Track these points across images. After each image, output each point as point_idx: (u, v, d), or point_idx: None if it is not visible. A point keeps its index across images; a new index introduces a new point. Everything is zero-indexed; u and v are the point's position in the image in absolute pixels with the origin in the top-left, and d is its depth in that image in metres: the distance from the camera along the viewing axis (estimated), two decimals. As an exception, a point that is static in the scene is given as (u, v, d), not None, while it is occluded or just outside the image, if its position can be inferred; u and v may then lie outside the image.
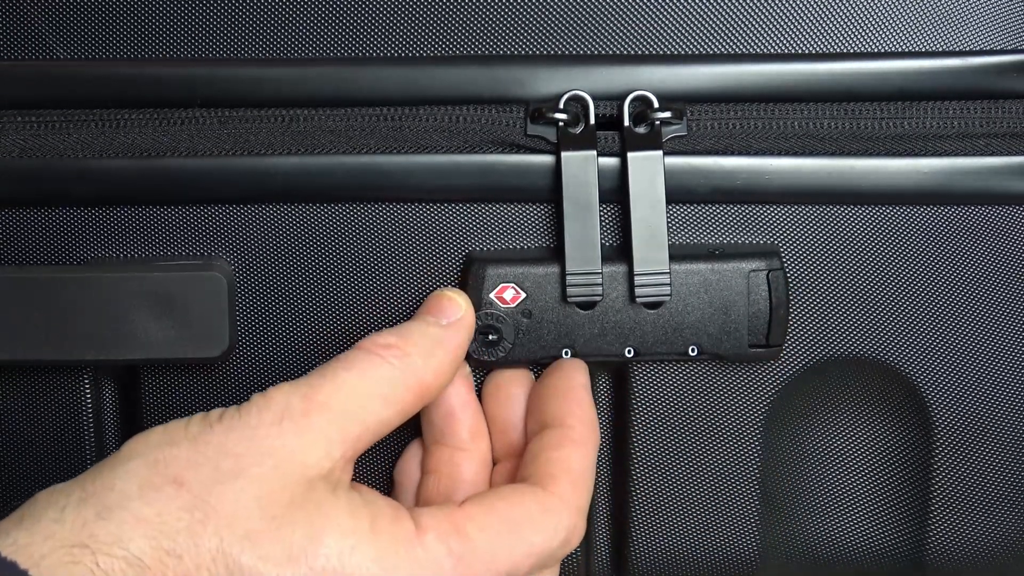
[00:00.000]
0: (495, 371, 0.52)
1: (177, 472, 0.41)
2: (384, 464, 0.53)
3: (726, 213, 0.51)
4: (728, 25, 0.51)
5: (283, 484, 0.42)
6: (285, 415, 0.43)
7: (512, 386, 0.51)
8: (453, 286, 0.50)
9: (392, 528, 0.43)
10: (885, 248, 0.51)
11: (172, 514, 0.40)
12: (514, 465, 0.50)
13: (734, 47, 0.51)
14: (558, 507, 0.46)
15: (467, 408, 0.50)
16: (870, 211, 0.51)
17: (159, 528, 0.40)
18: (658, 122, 0.49)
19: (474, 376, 0.51)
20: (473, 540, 0.44)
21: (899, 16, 0.51)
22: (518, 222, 0.51)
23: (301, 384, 0.44)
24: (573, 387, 0.50)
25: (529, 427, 0.50)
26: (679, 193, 0.50)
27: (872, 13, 0.51)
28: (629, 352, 0.50)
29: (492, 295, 0.50)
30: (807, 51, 0.51)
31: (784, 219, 0.51)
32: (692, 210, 0.51)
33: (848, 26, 0.51)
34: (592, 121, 0.50)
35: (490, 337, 0.50)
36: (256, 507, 0.41)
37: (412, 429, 0.51)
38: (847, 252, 0.51)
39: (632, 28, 0.50)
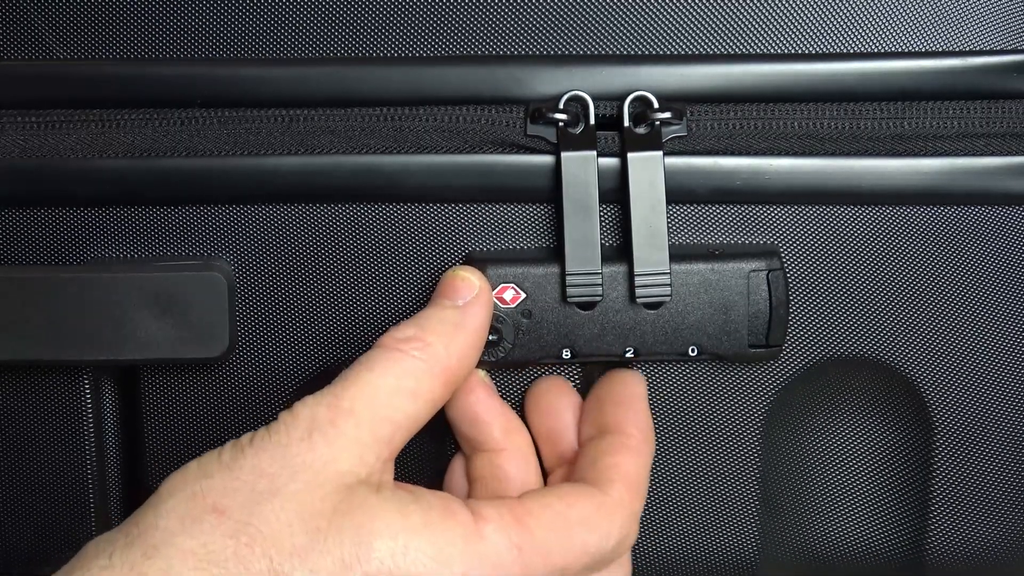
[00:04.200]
0: (535, 383, 0.52)
1: (215, 500, 0.41)
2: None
3: (726, 213, 0.51)
4: (728, 25, 0.51)
5: (322, 495, 0.42)
6: (313, 427, 0.43)
7: (552, 396, 0.52)
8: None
9: (447, 521, 0.43)
10: (885, 248, 0.51)
11: (217, 542, 0.40)
12: (567, 472, 0.50)
13: (734, 47, 0.51)
14: (614, 509, 0.46)
15: (491, 410, 0.50)
16: (870, 211, 0.51)
17: (207, 558, 0.40)
18: (658, 122, 0.49)
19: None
20: (533, 533, 0.44)
21: (899, 16, 0.51)
22: (518, 222, 0.51)
23: (326, 394, 0.44)
24: (632, 396, 0.50)
25: (584, 433, 0.51)
26: (679, 193, 0.50)
27: (872, 13, 0.51)
28: (629, 352, 0.50)
29: (492, 295, 0.50)
30: (807, 51, 0.51)
31: (784, 219, 0.51)
32: (692, 210, 0.51)
33: (848, 26, 0.51)
34: (592, 121, 0.50)
35: (490, 337, 0.50)
36: (299, 522, 0.41)
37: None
38: (847, 252, 0.51)
39: (632, 28, 0.50)
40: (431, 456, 0.53)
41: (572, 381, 0.53)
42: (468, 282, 0.48)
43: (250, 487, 0.41)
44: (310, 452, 0.42)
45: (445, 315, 0.47)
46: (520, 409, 0.52)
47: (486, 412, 0.50)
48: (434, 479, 0.52)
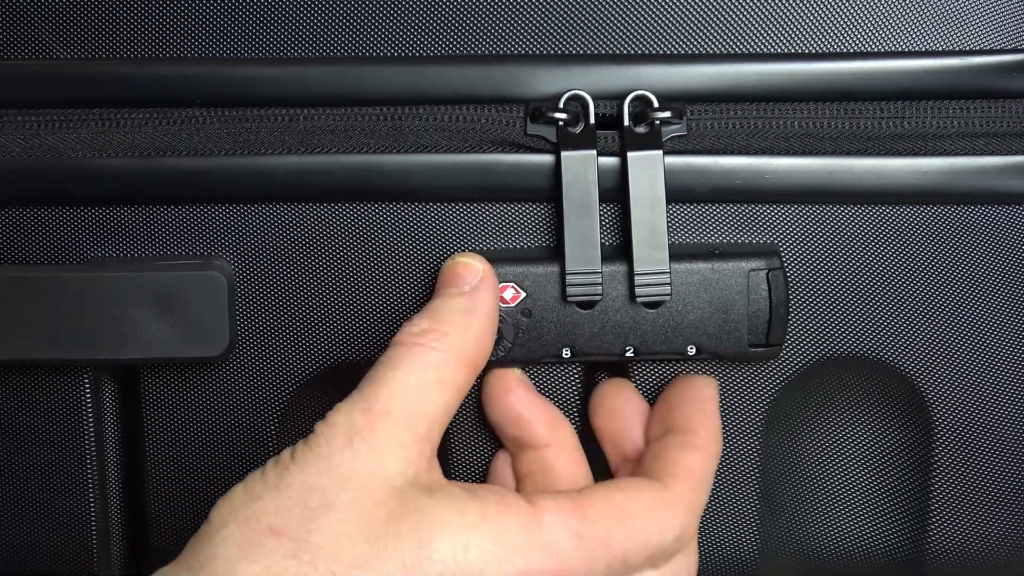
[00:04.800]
0: (599, 386, 0.52)
1: (270, 522, 0.41)
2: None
3: (726, 213, 0.51)
4: (728, 25, 0.51)
5: (375, 502, 0.42)
6: (353, 434, 0.43)
7: (618, 399, 0.52)
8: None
9: (505, 513, 0.42)
10: (885, 247, 0.51)
11: (279, 564, 0.40)
12: (631, 470, 0.51)
13: (734, 46, 0.51)
14: (675, 504, 0.46)
15: (533, 407, 0.51)
16: (870, 210, 0.51)
17: None
18: (658, 122, 0.49)
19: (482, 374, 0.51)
20: (593, 522, 0.44)
21: (899, 16, 0.51)
22: (518, 222, 0.51)
23: (356, 399, 0.44)
24: (700, 397, 0.50)
25: (652, 432, 0.51)
26: (679, 193, 0.50)
27: (872, 13, 0.51)
28: (629, 351, 0.50)
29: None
30: (807, 51, 0.51)
31: (784, 218, 0.51)
32: (692, 210, 0.51)
33: (848, 26, 0.51)
34: (592, 121, 0.50)
35: (491, 340, 0.50)
36: (356, 532, 0.41)
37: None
38: (847, 251, 0.51)
39: (632, 28, 0.50)
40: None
41: (572, 381, 0.53)
42: (471, 267, 0.48)
43: (303, 504, 0.41)
44: (355, 460, 0.42)
45: (455, 303, 0.47)
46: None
47: (528, 409, 0.50)
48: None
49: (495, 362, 0.50)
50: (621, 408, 0.52)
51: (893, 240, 0.51)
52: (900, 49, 0.51)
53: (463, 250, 0.51)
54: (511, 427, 0.51)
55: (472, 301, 0.47)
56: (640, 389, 0.52)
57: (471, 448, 0.53)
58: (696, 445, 0.48)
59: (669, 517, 0.46)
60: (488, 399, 0.51)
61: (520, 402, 0.50)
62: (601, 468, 0.52)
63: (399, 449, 0.43)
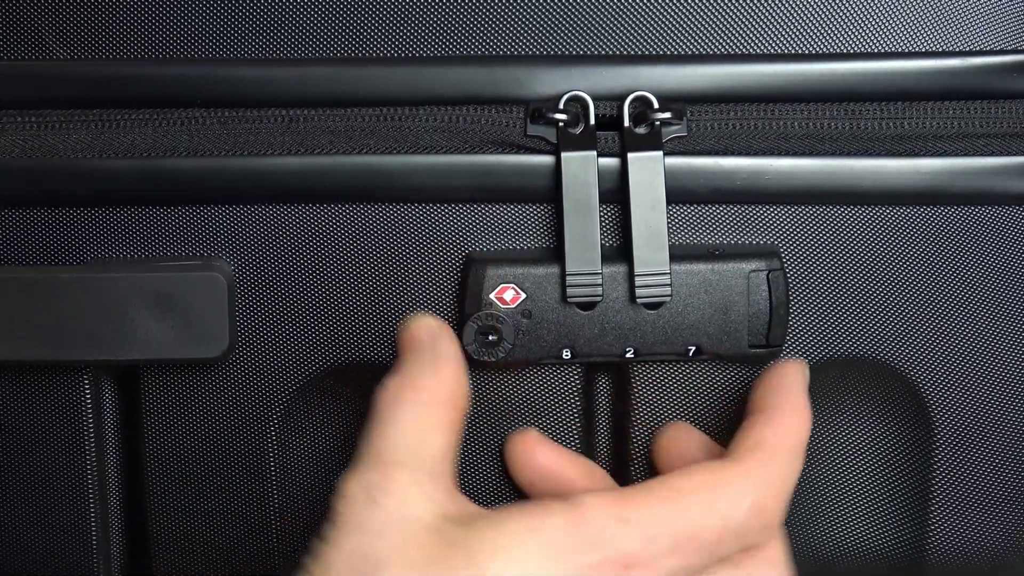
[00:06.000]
0: (659, 432, 0.52)
1: None
2: None
3: (726, 213, 0.51)
4: (728, 25, 0.51)
5: (418, 545, 0.42)
6: (373, 493, 0.43)
7: (681, 442, 0.51)
8: (446, 288, 0.51)
9: (546, 518, 0.42)
10: (885, 248, 0.51)
11: None
12: None
13: (734, 47, 0.51)
14: (743, 476, 0.44)
15: (561, 458, 0.51)
16: (870, 211, 0.51)
17: None
18: (658, 122, 0.49)
19: (475, 377, 0.51)
20: (639, 506, 0.43)
21: (899, 16, 0.51)
22: (518, 222, 0.51)
23: (364, 462, 0.44)
24: (783, 376, 0.49)
25: (743, 419, 0.49)
26: (679, 193, 0.50)
27: (872, 13, 0.51)
28: (629, 352, 0.50)
29: (492, 295, 0.50)
30: (807, 51, 0.51)
31: (784, 219, 0.51)
32: (692, 210, 0.51)
33: (848, 26, 0.51)
34: (592, 121, 0.50)
35: (490, 338, 0.50)
36: None
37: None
38: (847, 252, 0.51)
39: (632, 28, 0.50)
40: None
41: (573, 381, 0.53)
42: (424, 325, 0.49)
43: (354, 574, 0.42)
44: (385, 514, 0.43)
45: (421, 357, 0.48)
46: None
47: (557, 462, 0.51)
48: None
49: (495, 363, 0.50)
50: (688, 447, 0.51)
51: (893, 241, 0.51)
52: (900, 50, 0.51)
53: (463, 250, 0.51)
54: (546, 484, 0.51)
55: (435, 351, 0.48)
56: (640, 389, 0.52)
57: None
58: (772, 420, 0.47)
59: (737, 487, 0.44)
60: (516, 465, 0.52)
61: (547, 457, 0.51)
62: None
63: (420, 490, 0.43)
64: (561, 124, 0.49)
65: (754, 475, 0.45)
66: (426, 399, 0.46)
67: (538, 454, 0.51)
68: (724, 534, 0.44)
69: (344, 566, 0.42)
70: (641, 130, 0.50)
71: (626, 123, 0.50)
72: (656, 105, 0.49)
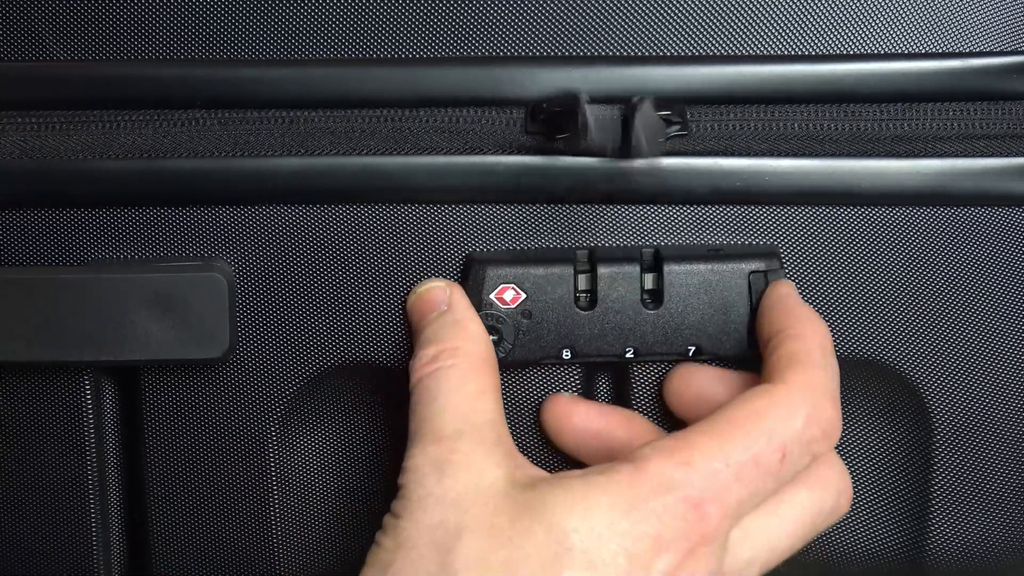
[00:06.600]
0: (668, 374, 0.52)
1: None
2: None
3: (726, 214, 0.51)
4: (728, 26, 0.51)
5: (492, 510, 0.43)
6: (439, 465, 0.44)
7: (690, 380, 0.51)
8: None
9: (610, 475, 0.43)
10: (885, 249, 0.51)
11: None
12: None
13: (735, 48, 0.51)
14: (785, 393, 0.45)
15: (602, 415, 0.51)
16: (870, 212, 0.51)
17: None
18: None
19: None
20: (698, 446, 0.43)
21: (899, 18, 0.51)
22: (518, 222, 0.51)
23: (421, 439, 0.45)
24: (781, 298, 0.49)
25: (762, 347, 0.49)
26: (679, 193, 0.50)
27: (872, 15, 0.51)
28: (629, 352, 0.50)
29: (492, 296, 0.50)
30: (807, 52, 0.51)
31: (784, 220, 0.51)
32: (692, 210, 0.51)
33: (848, 28, 0.51)
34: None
35: (490, 338, 0.50)
36: (491, 545, 0.42)
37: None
38: (847, 253, 0.51)
39: (632, 29, 0.50)
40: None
41: (573, 381, 0.53)
42: (436, 288, 0.50)
43: (431, 545, 0.42)
44: (455, 484, 0.43)
45: (443, 320, 0.48)
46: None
47: (597, 419, 0.51)
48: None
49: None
50: (702, 393, 0.51)
51: (893, 242, 0.51)
52: (900, 51, 0.51)
53: (463, 250, 0.51)
54: (591, 443, 0.51)
55: (454, 314, 0.48)
56: (640, 389, 0.52)
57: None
58: (791, 335, 0.47)
59: (787, 403, 0.44)
60: (555, 431, 0.52)
61: (588, 418, 0.51)
62: None
63: (487, 457, 0.44)
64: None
65: (800, 388, 0.45)
66: (463, 363, 0.47)
67: (575, 416, 0.51)
68: (786, 453, 0.44)
69: (423, 539, 0.42)
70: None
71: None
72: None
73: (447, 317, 0.48)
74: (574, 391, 0.53)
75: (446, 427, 0.45)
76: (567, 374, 0.53)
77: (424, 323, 0.49)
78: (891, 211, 0.51)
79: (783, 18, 0.50)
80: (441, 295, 0.49)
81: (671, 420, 0.53)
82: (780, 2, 0.50)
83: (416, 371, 0.47)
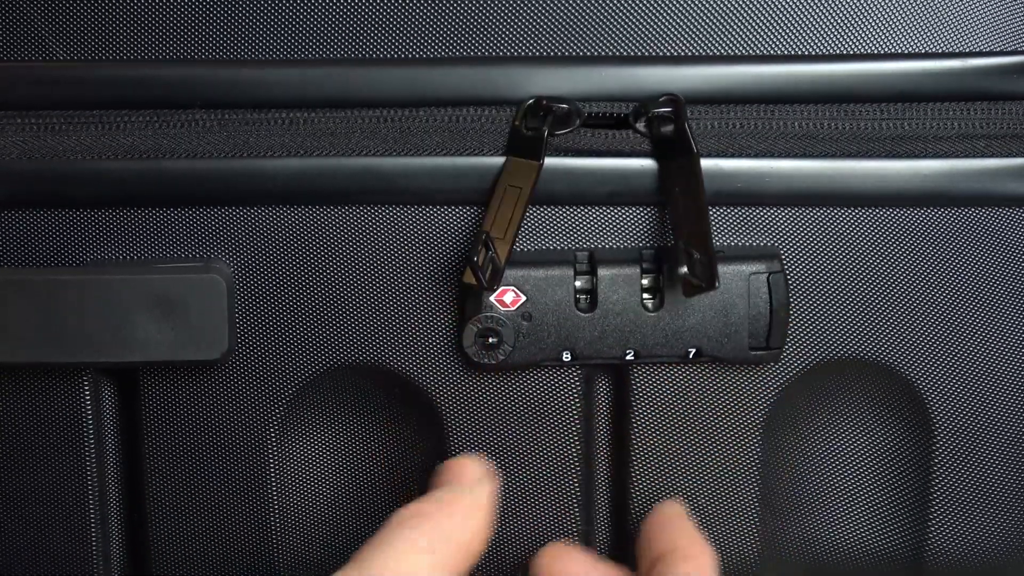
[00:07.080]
0: (540, 554, 0.51)
1: None
2: None
3: (726, 215, 0.51)
4: (729, 26, 0.51)
5: None
6: None
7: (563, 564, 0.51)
8: (446, 290, 0.50)
9: None
10: (885, 250, 0.51)
11: None
12: None
13: (735, 48, 0.51)
14: None
15: (596, 569, 0.50)
16: (870, 213, 0.51)
17: None
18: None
19: (475, 379, 0.51)
20: None
21: (899, 17, 0.51)
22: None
23: (347, 571, 0.43)
24: (671, 517, 0.50)
25: (645, 570, 0.50)
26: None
27: (872, 14, 0.51)
28: (629, 355, 0.50)
29: (492, 298, 0.50)
30: (807, 52, 0.51)
31: (784, 221, 0.51)
32: (692, 212, 0.51)
33: (848, 27, 0.51)
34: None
35: (490, 340, 0.50)
36: None
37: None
38: (847, 254, 0.51)
39: (632, 30, 0.50)
40: None
41: (572, 384, 0.52)
42: (474, 468, 0.48)
43: None
44: None
45: (461, 494, 0.46)
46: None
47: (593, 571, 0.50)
48: None
49: (495, 366, 0.50)
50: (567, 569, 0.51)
51: (893, 243, 0.51)
52: (900, 51, 0.51)
53: (463, 252, 0.51)
54: None
55: (475, 498, 0.46)
56: (640, 391, 0.52)
57: None
58: (685, 555, 0.48)
59: None
60: None
61: (578, 570, 0.50)
62: None
63: None
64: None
65: None
66: (438, 537, 0.44)
67: (569, 568, 0.50)
68: None
69: None
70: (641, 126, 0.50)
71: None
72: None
73: (466, 495, 0.46)
74: (574, 393, 0.53)
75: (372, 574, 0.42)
76: (567, 376, 0.53)
77: (442, 486, 0.47)
78: (891, 212, 0.51)
79: (783, 18, 0.50)
80: (474, 475, 0.48)
81: (671, 425, 0.52)
82: (780, 2, 0.50)
83: (396, 513, 0.45)
